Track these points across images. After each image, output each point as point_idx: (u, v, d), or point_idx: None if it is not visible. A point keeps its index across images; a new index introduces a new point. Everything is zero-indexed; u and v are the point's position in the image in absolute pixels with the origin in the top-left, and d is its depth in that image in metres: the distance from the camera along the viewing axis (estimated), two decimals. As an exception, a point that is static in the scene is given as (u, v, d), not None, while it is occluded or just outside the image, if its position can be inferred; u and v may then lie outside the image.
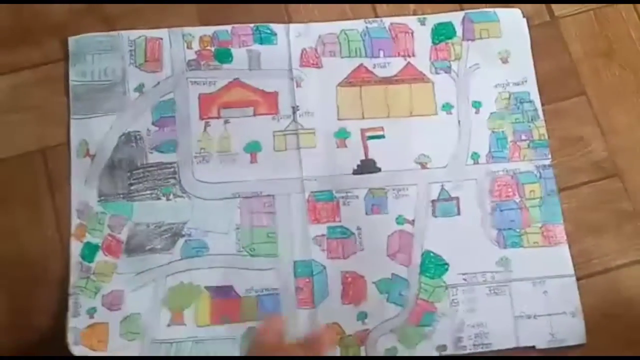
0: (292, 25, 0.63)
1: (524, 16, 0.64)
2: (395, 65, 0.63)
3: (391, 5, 0.65)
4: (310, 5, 0.64)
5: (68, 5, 0.62)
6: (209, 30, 0.62)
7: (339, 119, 0.61)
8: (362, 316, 0.57)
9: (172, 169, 0.58)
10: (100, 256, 0.56)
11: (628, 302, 0.59)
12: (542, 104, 0.63)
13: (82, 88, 0.60)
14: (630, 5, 0.66)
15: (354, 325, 0.56)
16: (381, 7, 0.64)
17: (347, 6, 0.64)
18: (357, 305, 0.57)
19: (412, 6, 0.65)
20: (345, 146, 0.60)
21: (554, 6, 0.66)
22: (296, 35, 0.62)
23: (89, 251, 0.56)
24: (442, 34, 0.63)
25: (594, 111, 0.63)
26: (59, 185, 0.57)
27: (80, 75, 0.60)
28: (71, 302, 0.55)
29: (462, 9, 0.65)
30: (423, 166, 0.60)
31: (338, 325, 0.56)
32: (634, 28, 0.66)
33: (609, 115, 0.63)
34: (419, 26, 0.63)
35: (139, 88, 0.60)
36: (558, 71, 0.64)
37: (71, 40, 0.61)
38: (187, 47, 0.61)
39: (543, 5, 0.66)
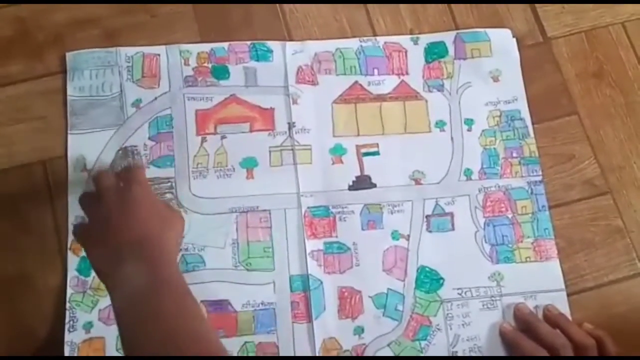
0: (288, 43, 0.71)
1: (513, 36, 0.74)
2: (390, 83, 0.72)
3: (389, 24, 0.74)
4: (310, 22, 0.73)
5: (70, 19, 0.70)
6: (206, 47, 0.70)
7: (334, 136, 0.69)
8: (359, 330, 0.64)
9: (169, 184, 0.66)
10: (97, 270, 0.64)
11: (619, 318, 0.67)
12: (535, 123, 0.72)
13: (80, 103, 0.67)
14: (621, 27, 0.76)
15: (351, 340, 0.64)
16: (379, 25, 0.74)
17: (346, 24, 0.73)
18: (353, 319, 0.64)
19: (408, 25, 0.74)
20: (341, 162, 0.69)
21: (546, 27, 0.75)
22: (292, 52, 0.71)
23: (86, 265, 0.63)
24: (434, 53, 0.73)
25: (585, 130, 0.72)
26: (59, 197, 0.64)
27: (78, 91, 0.67)
28: (67, 316, 0.61)
29: (457, 28, 0.75)
30: (417, 182, 0.69)
31: (335, 340, 0.64)
32: (624, 49, 0.76)
33: (600, 134, 0.73)
34: (412, 45, 0.73)
35: (136, 103, 0.68)
36: (550, 91, 0.74)
37: (69, 55, 0.68)
38: (185, 64, 0.69)
39: (536, 26, 0.75)
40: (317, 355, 0.63)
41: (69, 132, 0.66)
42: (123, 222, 0.53)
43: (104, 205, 0.54)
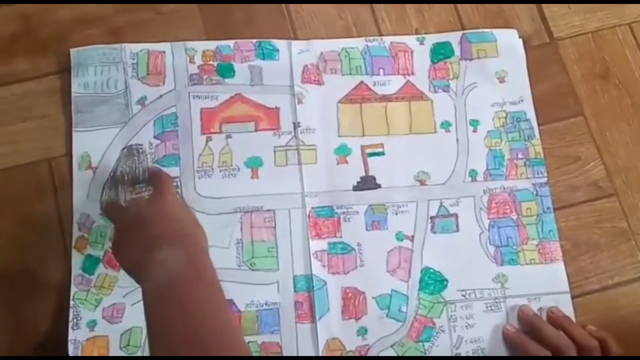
0: (294, 42, 0.72)
1: (520, 37, 0.74)
2: (395, 83, 0.72)
3: (394, 23, 0.74)
4: (316, 22, 0.73)
5: (75, 17, 0.70)
6: (211, 44, 0.71)
7: (339, 136, 0.70)
8: (363, 331, 0.65)
9: (174, 183, 0.66)
10: (101, 269, 0.64)
11: (624, 320, 0.68)
12: (541, 124, 0.72)
13: (84, 100, 0.67)
14: (627, 28, 0.76)
15: (355, 341, 0.64)
16: (384, 25, 0.74)
17: (351, 23, 0.74)
18: (357, 320, 0.65)
19: (414, 24, 0.75)
20: (346, 162, 0.69)
21: (553, 28, 0.76)
22: (298, 51, 0.71)
23: (90, 263, 0.64)
24: (440, 53, 0.73)
25: (591, 131, 0.73)
26: (64, 195, 0.65)
27: (83, 87, 0.68)
28: (71, 314, 0.62)
29: (462, 28, 0.75)
30: (422, 183, 0.69)
31: (338, 341, 0.64)
32: (631, 50, 0.76)
33: (606, 135, 0.73)
34: (418, 45, 0.73)
35: (141, 101, 0.68)
36: (556, 92, 0.74)
37: (73, 51, 0.69)
38: (190, 61, 0.70)
39: (542, 27, 0.76)
40: (320, 355, 0.63)
41: (73, 129, 0.67)
42: (158, 219, 0.54)
43: (134, 208, 0.56)
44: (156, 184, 0.60)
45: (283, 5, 0.74)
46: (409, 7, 0.75)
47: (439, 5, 0.76)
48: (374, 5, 0.75)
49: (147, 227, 0.53)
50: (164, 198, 0.57)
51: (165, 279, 0.49)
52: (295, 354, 0.64)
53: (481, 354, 0.65)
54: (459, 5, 0.76)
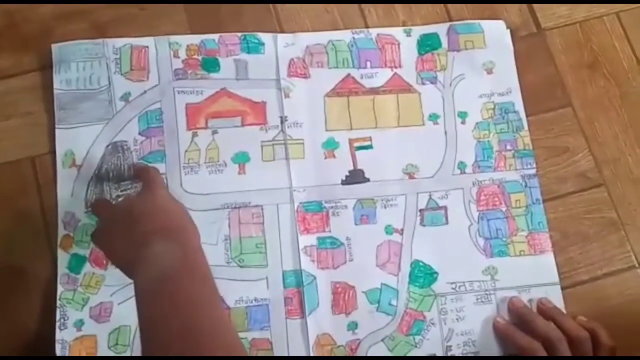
0: (280, 35, 0.71)
1: (507, 28, 0.74)
2: (382, 75, 0.72)
3: (381, 16, 0.74)
4: (302, 14, 0.73)
5: (58, 12, 0.69)
6: (196, 38, 0.70)
7: (327, 130, 0.70)
8: (353, 326, 0.65)
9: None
10: (87, 267, 0.63)
11: (614, 311, 0.68)
12: (529, 115, 0.72)
13: (67, 96, 0.67)
14: (615, 18, 0.77)
15: (345, 336, 0.65)
16: (371, 17, 0.74)
17: (338, 16, 0.73)
18: (347, 315, 0.65)
19: (401, 17, 0.75)
20: (334, 157, 0.69)
21: (540, 18, 0.76)
22: (284, 45, 0.71)
23: (76, 262, 0.63)
24: (427, 44, 0.73)
25: (579, 122, 0.73)
26: (48, 193, 0.65)
27: (65, 84, 0.67)
28: (58, 314, 0.62)
29: (450, 19, 0.75)
30: (411, 176, 0.69)
31: (329, 336, 0.64)
32: (618, 40, 0.76)
33: (595, 126, 0.73)
34: (404, 37, 0.73)
35: (125, 97, 0.67)
36: (544, 82, 0.74)
37: (54, 47, 0.68)
38: (174, 56, 0.69)
39: (530, 17, 0.76)
40: (310, 351, 0.63)
41: (56, 126, 0.66)
42: (149, 213, 0.54)
43: (125, 203, 0.57)
44: (145, 179, 0.59)
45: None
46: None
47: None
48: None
49: (139, 221, 0.53)
50: (155, 192, 0.57)
51: (158, 274, 0.49)
52: (285, 350, 0.64)
53: (472, 347, 0.65)
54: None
